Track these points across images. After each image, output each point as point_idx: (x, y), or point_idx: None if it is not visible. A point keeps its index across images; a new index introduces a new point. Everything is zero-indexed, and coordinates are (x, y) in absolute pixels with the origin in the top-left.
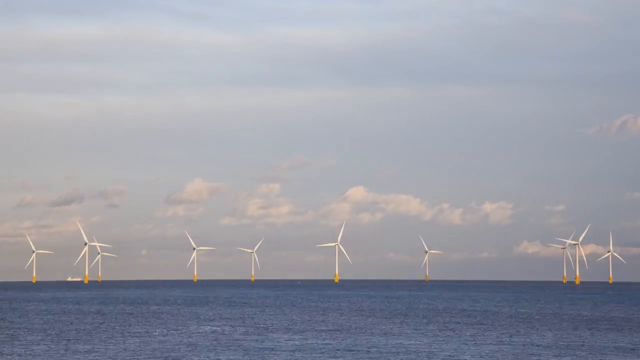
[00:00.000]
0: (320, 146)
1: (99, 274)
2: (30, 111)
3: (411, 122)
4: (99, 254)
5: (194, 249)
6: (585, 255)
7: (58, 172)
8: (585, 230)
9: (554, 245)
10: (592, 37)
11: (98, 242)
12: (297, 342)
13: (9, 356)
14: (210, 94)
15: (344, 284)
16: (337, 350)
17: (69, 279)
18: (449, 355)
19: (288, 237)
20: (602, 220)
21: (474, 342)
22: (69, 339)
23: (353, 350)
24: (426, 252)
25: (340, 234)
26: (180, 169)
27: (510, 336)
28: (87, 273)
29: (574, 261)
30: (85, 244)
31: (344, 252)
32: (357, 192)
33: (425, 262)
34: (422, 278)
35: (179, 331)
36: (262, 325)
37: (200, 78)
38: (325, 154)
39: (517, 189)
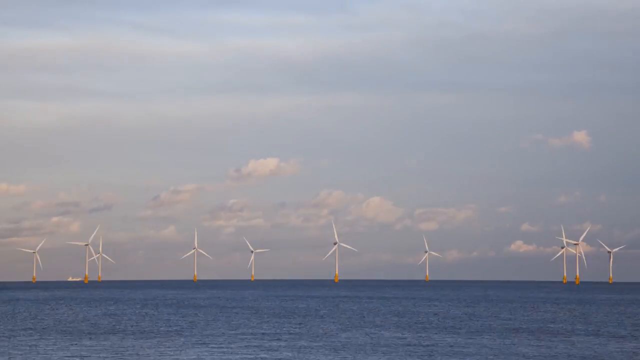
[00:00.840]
0: (289, 150)
1: (99, 274)
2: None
3: (373, 127)
4: (98, 254)
5: (194, 249)
6: (584, 255)
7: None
8: (586, 232)
9: (554, 245)
10: (538, 48)
11: (98, 242)
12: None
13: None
14: (180, 102)
15: (342, 284)
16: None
17: (70, 279)
18: None
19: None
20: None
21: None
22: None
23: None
24: (426, 252)
25: (335, 233)
26: (159, 172)
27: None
28: (87, 273)
29: (574, 261)
30: (86, 245)
31: (347, 246)
32: (333, 196)
33: (426, 263)
34: (422, 278)
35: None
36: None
37: (168, 86)
38: (292, 158)
39: (478, 191)
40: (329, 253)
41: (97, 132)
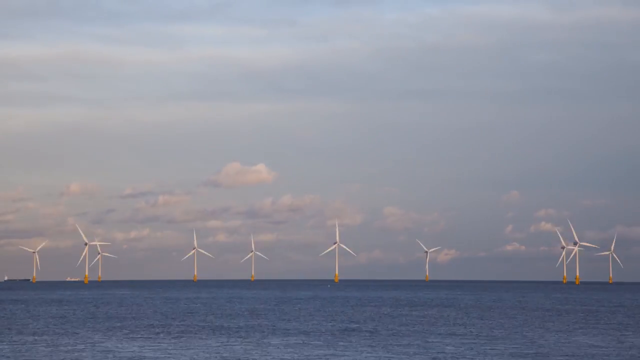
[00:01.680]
0: (254, 156)
1: (99, 274)
2: None
3: (340, 133)
4: (99, 254)
5: (194, 249)
6: (582, 255)
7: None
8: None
9: (555, 246)
10: (488, 57)
11: (98, 242)
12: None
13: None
14: (151, 108)
15: (341, 284)
16: None
17: (68, 279)
18: None
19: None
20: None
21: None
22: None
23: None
24: (426, 252)
25: (337, 233)
26: (133, 176)
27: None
28: (87, 273)
29: (574, 261)
30: (86, 244)
31: (346, 249)
32: (304, 199)
33: (426, 262)
34: (422, 278)
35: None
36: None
37: (138, 94)
38: (259, 164)
39: (440, 195)
40: (327, 251)
41: (68, 137)
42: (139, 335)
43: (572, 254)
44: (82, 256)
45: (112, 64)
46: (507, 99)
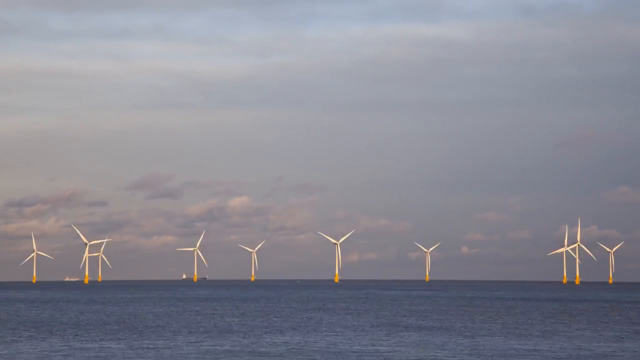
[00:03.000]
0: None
1: (99, 274)
2: None
3: (293, 140)
4: (99, 254)
5: (194, 249)
6: (583, 256)
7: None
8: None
9: (555, 248)
10: (419, 70)
11: (99, 241)
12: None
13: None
14: (113, 117)
15: (343, 284)
16: None
17: (67, 279)
18: None
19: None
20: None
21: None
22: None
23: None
24: (426, 252)
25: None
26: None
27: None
28: (87, 273)
29: (574, 261)
30: (86, 244)
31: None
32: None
33: (426, 263)
34: (423, 278)
35: None
36: None
37: (96, 103)
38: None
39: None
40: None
41: (25, 145)
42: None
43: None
44: (83, 257)
45: (65, 77)
46: (447, 108)
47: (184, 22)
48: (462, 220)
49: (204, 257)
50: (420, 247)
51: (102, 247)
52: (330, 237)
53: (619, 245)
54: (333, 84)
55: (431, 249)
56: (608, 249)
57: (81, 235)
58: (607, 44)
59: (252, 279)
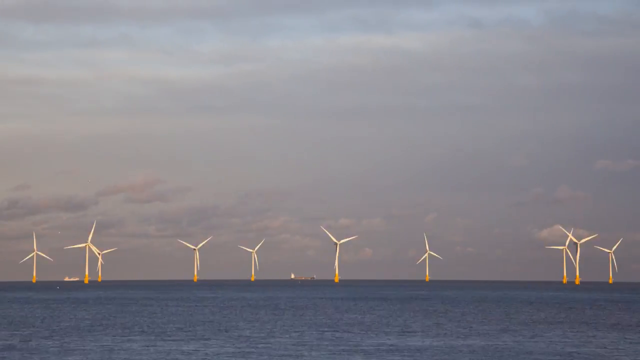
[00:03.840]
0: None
1: (99, 274)
2: None
3: (265, 145)
4: (100, 253)
5: (194, 249)
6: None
7: None
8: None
9: (555, 246)
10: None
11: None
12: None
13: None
14: (83, 123)
15: (342, 284)
16: None
17: (66, 279)
18: None
19: None
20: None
21: None
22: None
23: None
24: (426, 252)
25: (330, 235)
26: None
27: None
28: (87, 273)
29: (574, 261)
30: (86, 244)
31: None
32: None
33: (426, 263)
34: (423, 278)
35: None
36: None
37: (71, 110)
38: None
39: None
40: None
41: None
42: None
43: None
44: (85, 256)
45: (38, 84)
46: (409, 113)
47: (150, 33)
48: (416, 222)
49: (199, 258)
50: (426, 245)
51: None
52: (331, 236)
53: (618, 243)
54: (297, 90)
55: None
56: (607, 249)
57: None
58: (558, 54)
59: (252, 278)
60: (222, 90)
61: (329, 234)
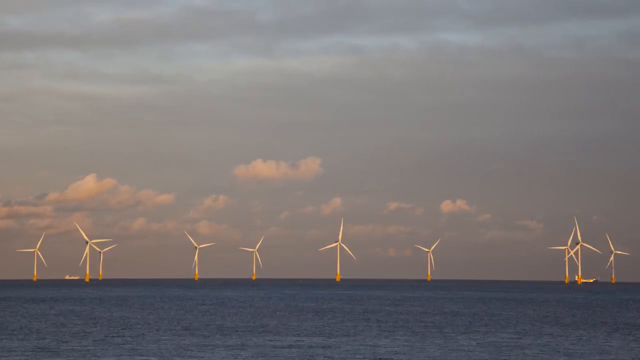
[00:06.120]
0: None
1: (100, 272)
2: None
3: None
4: (100, 252)
5: (196, 247)
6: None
7: None
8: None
9: (557, 246)
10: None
11: (99, 240)
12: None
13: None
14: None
15: (343, 283)
16: None
17: (67, 277)
18: None
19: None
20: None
21: None
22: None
23: None
24: (427, 251)
25: (341, 232)
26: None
27: None
28: (88, 271)
29: (576, 261)
30: (87, 242)
31: (347, 250)
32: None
33: (428, 262)
34: (424, 277)
35: None
36: None
37: (13, 119)
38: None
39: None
40: (326, 247)
41: None
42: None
43: (575, 253)
44: (84, 255)
45: None
46: (315, 125)
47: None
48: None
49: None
50: (422, 248)
51: (107, 247)
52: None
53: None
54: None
55: (432, 247)
56: (612, 248)
57: (83, 234)
58: (428, 80)
59: (254, 277)
60: (168, 105)
61: (341, 229)
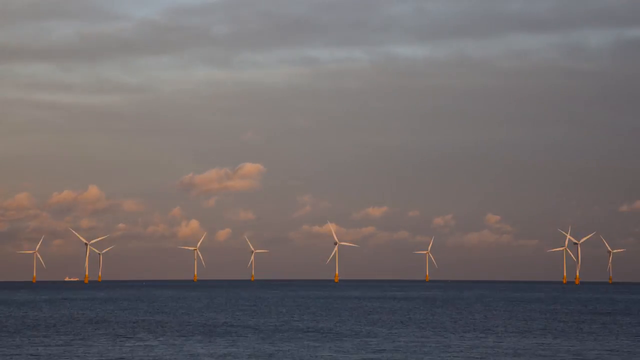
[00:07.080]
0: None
1: (99, 274)
2: None
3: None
4: (99, 253)
5: (195, 249)
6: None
7: None
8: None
9: (556, 247)
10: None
11: (96, 239)
12: None
13: None
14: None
15: (341, 284)
16: None
17: (66, 279)
18: None
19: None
20: None
21: None
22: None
23: None
24: (426, 252)
25: (334, 234)
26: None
27: None
28: (87, 273)
29: (575, 261)
30: (86, 244)
31: (348, 244)
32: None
33: (427, 263)
34: (423, 278)
35: None
36: None
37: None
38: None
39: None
40: (331, 255)
41: None
42: None
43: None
44: (85, 257)
45: None
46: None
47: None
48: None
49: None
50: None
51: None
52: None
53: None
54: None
55: (430, 246)
56: (609, 249)
57: (79, 236)
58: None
59: (252, 279)
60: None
61: (333, 233)
